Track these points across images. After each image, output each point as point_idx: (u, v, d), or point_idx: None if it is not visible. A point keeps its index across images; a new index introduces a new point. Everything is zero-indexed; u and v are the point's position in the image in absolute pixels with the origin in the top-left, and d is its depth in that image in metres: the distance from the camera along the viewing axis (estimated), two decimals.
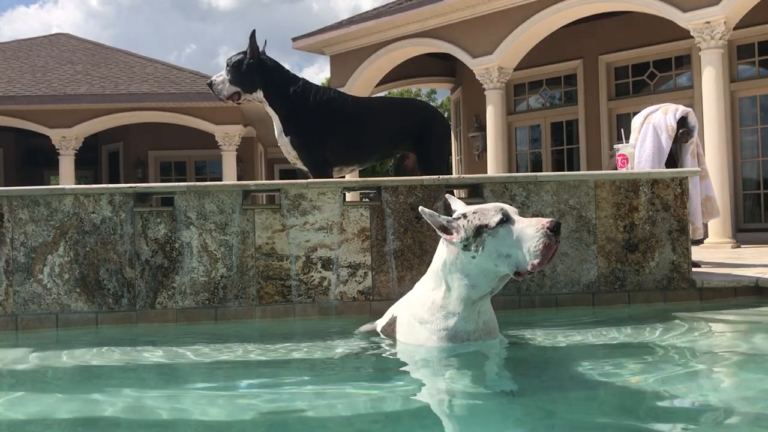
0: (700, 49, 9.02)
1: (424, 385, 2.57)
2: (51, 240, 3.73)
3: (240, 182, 3.99)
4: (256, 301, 3.81)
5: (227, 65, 4.63)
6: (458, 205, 3.00)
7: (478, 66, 11.21)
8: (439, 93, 29.59)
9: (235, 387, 2.50)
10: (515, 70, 11.44)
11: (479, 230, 2.74)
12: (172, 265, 3.78)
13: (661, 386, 2.36)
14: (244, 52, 4.60)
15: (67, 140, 14.57)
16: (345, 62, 13.13)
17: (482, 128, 12.59)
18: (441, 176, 3.93)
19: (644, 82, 11.73)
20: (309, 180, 3.95)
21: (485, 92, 11.22)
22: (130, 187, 3.78)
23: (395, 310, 3.24)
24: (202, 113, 14.73)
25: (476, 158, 13.63)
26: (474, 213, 2.79)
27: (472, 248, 2.75)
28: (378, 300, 3.84)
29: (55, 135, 14.52)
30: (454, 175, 3.97)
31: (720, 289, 4.11)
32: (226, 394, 2.40)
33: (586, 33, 11.80)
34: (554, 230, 2.64)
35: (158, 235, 3.78)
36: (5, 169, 17.71)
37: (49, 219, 3.73)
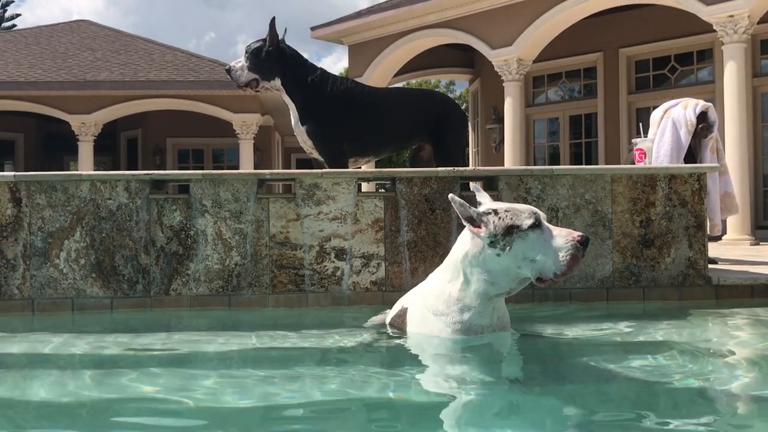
0: (722, 43, 8.91)
1: (435, 374, 2.58)
2: (68, 225, 3.76)
3: (255, 171, 4.01)
4: (269, 289, 3.82)
5: (246, 52, 4.63)
6: (485, 199, 2.96)
7: (497, 57, 11.15)
8: (457, 84, 29.48)
9: (246, 375, 2.51)
10: (534, 62, 11.36)
11: (509, 230, 2.71)
12: (187, 253, 3.80)
13: (671, 383, 2.35)
14: (264, 40, 4.60)
15: (86, 126, 14.68)
16: (363, 52, 13.11)
17: (500, 120, 12.54)
18: (456, 168, 3.92)
19: (665, 76, 11.62)
20: (324, 170, 3.95)
21: (504, 84, 11.16)
22: (146, 174, 3.80)
23: (405, 301, 3.23)
24: (220, 101, 14.78)
25: (493, 150, 13.58)
26: (506, 211, 2.76)
27: (499, 246, 2.73)
28: (391, 291, 3.84)
29: (75, 121, 14.63)
30: (470, 167, 3.96)
31: (736, 287, 4.07)
32: (237, 382, 2.41)
33: (607, 25, 11.70)
34: (584, 244, 2.65)
35: (173, 222, 3.80)
36: (26, 155, 17.89)
37: (66, 204, 3.77)
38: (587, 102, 12.62)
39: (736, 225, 8.54)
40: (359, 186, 3.92)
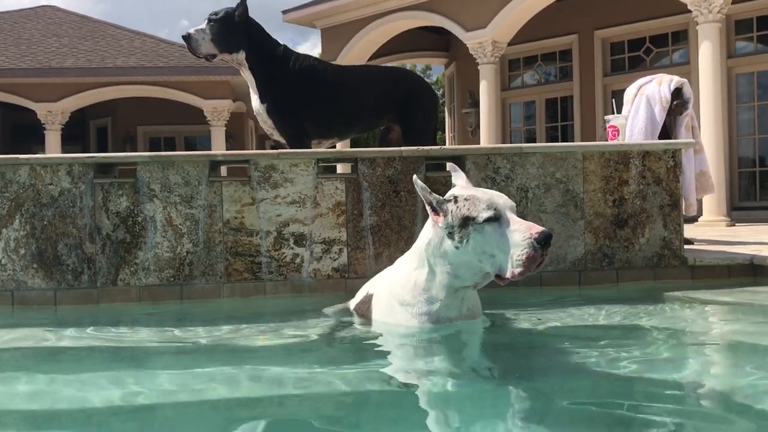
0: (697, 24, 8.80)
1: (402, 367, 2.38)
2: (6, 213, 3.51)
3: (206, 152, 3.78)
4: (224, 278, 3.61)
5: (209, 21, 4.30)
6: (460, 181, 2.73)
7: (471, 40, 10.98)
8: (434, 69, 29.23)
9: (200, 371, 2.30)
10: (510, 45, 11.21)
11: (465, 221, 2.49)
12: (135, 240, 3.57)
13: (648, 371, 2.19)
14: (231, 9, 4.31)
15: (53, 115, 14.32)
16: (336, 36, 12.87)
17: (476, 104, 12.38)
18: (421, 147, 3.72)
19: (640, 57, 11.52)
20: (280, 150, 3.73)
21: (478, 67, 10.99)
22: (90, 156, 3.56)
23: (371, 287, 3.04)
24: (190, 87, 14.47)
25: (470, 135, 13.43)
26: (465, 200, 2.52)
27: (456, 237, 2.52)
28: (354, 278, 3.64)
29: (41, 109, 14.26)
30: (436, 147, 3.76)
31: (713, 267, 3.92)
32: (190, 378, 2.21)
33: (582, 7, 11.57)
34: (542, 243, 2.38)
35: (120, 208, 3.56)
36: None
37: (4, 191, 3.52)
38: (563, 85, 12.50)
39: (711, 206, 8.45)
40: (319, 167, 3.70)
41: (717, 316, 3.28)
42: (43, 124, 14.39)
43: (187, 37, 4.33)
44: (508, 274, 2.46)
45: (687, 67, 10.61)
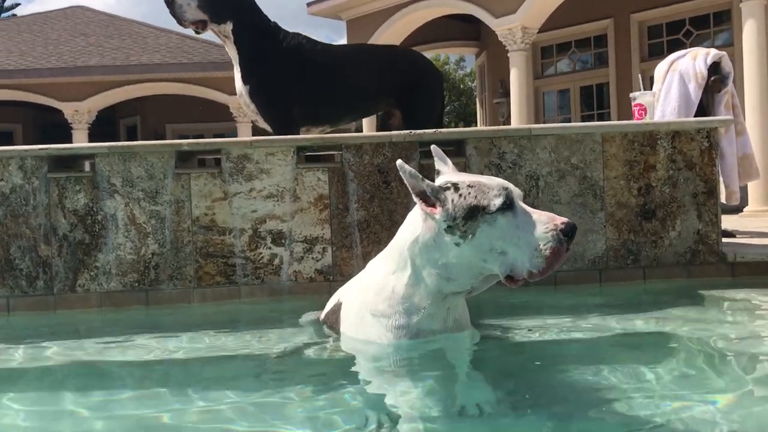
0: (740, 1, 8.19)
1: (371, 396, 1.94)
2: None
3: (171, 141, 3.40)
4: (194, 282, 3.22)
5: None
6: (446, 168, 2.29)
7: (500, 26, 10.49)
8: (468, 60, 28.62)
9: (163, 392, 1.96)
10: (541, 31, 10.69)
11: (473, 211, 2.06)
12: (95, 241, 3.20)
13: (680, 396, 1.75)
14: None
15: (79, 114, 14.23)
16: (361, 26, 12.49)
17: (507, 94, 11.89)
18: (413, 132, 3.27)
19: (680, 41, 10.88)
20: (254, 138, 3.32)
21: (508, 54, 10.49)
22: (43, 148, 3.21)
23: (342, 293, 2.61)
24: (215, 84, 14.23)
25: (502, 125, 12.93)
26: (470, 186, 2.09)
27: (458, 232, 2.08)
28: (339, 280, 3.21)
29: (68, 109, 14.19)
30: (430, 131, 3.31)
31: (757, 264, 3.41)
32: (149, 401, 1.87)
33: None
34: (568, 234, 2.00)
35: (77, 205, 3.20)
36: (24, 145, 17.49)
37: None
38: (598, 72, 11.95)
39: (758, 194, 7.84)
40: (299, 156, 3.29)
41: (762, 322, 2.77)
42: (70, 123, 14.31)
43: (170, 2, 3.94)
44: (525, 274, 2.04)
45: (731, 49, 9.93)
